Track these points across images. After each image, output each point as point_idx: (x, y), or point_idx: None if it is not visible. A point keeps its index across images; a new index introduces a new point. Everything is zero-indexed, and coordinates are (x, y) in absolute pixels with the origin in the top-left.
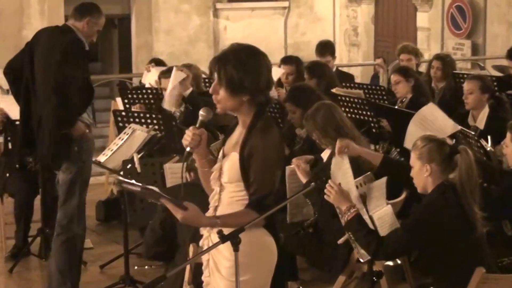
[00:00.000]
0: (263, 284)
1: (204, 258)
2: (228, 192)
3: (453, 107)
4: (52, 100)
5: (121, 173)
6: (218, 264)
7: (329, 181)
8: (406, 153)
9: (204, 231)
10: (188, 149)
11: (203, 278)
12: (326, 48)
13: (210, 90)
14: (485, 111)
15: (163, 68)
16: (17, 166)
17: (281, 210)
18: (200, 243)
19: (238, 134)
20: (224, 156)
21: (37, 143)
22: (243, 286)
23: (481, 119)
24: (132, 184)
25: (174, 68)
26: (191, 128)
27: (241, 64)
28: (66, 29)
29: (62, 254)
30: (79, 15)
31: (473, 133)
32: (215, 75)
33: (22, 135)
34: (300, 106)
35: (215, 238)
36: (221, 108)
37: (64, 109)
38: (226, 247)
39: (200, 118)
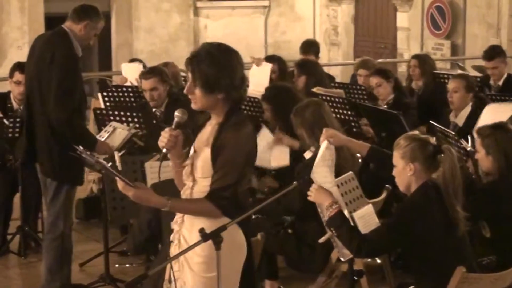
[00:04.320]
0: (231, 281)
1: (172, 251)
2: (200, 187)
3: (432, 105)
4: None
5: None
6: (188, 259)
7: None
8: None
9: (175, 225)
10: (164, 150)
11: (173, 273)
12: (310, 46)
13: (185, 91)
14: (467, 109)
15: (135, 64)
16: None
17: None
18: (171, 237)
19: (210, 130)
20: (195, 151)
21: (39, 155)
22: (211, 282)
23: (461, 116)
24: (90, 155)
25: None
26: (167, 129)
27: (215, 62)
28: (61, 35)
29: (51, 253)
30: (77, 18)
31: (453, 133)
32: (189, 75)
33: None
34: (272, 105)
35: (185, 232)
36: (197, 107)
37: (68, 128)
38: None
39: (175, 119)
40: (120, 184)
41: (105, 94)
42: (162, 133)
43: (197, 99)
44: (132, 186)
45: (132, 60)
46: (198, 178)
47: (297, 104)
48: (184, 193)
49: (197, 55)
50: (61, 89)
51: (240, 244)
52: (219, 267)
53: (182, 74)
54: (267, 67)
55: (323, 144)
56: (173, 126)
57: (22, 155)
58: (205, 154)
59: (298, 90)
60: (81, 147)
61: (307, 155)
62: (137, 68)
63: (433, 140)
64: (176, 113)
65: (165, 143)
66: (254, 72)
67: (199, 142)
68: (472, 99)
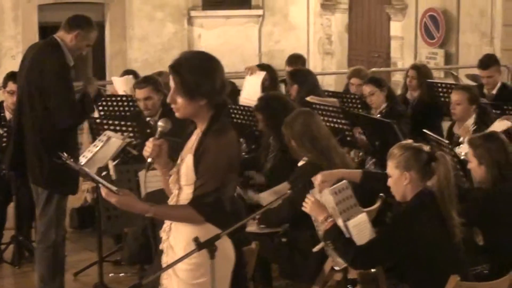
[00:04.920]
0: None
1: (163, 260)
2: (185, 194)
3: (426, 115)
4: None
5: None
6: (175, 267)
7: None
8: (381, 163)
9: (163, 234)
10: (149, 160)
11: (161, 280)
12: (296, 59)
13: (168, 100)
14: (471, 121)
15: (125, 77)
16: None
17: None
18: (160, 246)
19: (194, 138)
20: (181, 159)
21: (28, 164)
22: None
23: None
24: (73, 162)
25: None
26: (151, 139)
27: (195, 69)
28: (52, 45)
29: (44, 262)
30: (69, 28)
31: (447, 141)
32: (171, 84)
33: (13, 153)
34: (264, 114)
35: (172, 241)
36: (181, 115)
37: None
38: (184, 250)
39: (159, 129)
40: (103, 191)
41: (99, 103)
42: (147, 143)
43: (180, 107)
44: (115, 192)
45: (126, 72)
46: (183, 186)
47: (290, 112)
48: (171, 201)
49: (177, 64)
50: (60, 97)
51: (228, 252)
52: (214, 276)
53: None
54: (260, 76)
55: (325, 193)
56: (156, 136)
57: (7, 164)
58: (188, 161)
59: (291, 99)
60: (65, 154)
61: (300, 164)
62: (128, 81)
63: (426, 148)
64: (159, 123)
65: (149, 152)
66: (248, 81)
67: (185, 150)
68: (475, 110)
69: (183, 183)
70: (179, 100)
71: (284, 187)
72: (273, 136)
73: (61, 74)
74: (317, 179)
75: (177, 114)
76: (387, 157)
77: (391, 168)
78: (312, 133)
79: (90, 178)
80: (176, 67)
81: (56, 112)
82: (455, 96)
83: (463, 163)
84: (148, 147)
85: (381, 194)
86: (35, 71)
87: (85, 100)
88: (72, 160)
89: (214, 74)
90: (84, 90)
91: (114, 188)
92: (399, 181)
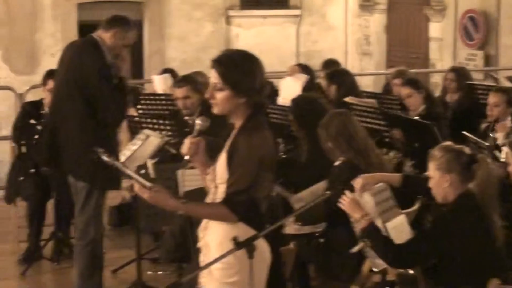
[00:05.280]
0: None
1: (200, 259)
2: (220, 192)
3: (467, 118)
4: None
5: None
6: None
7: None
8: (419, 165)
9: (200, 232)
10: (186, 157)
11: (200, 278)
12: (331, 65)
13: (207, 95)
14: (508, 123)
15: (164, 76)
16: (31, 170)
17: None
18: (198, 244)
19: (232, 136)
20: (218, 158)
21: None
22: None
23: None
24: (108, 157)
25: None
26: (189, 136)
27: (237, 67)
28: (91, 43)
29: (83, 259)
30: (107, 26)
31: (487, 144)
32: (212, 79)
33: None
34: (295, 116)
35: (209, 239)
36: (219, 111)
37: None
38: (217, 249)
39: (197, 127)
40: (136, 186)
41: (137, 102)
42: (185, 140)
43: (219, 103)
44: (148, 188)
45: (164, 71)
46: (219, 184)
47: (321, 113)
48: (209, 199)
49: (220, 58)
50: (104, 94)
51: (262, 252)
52: (253, 276)
53: None
54: (301, 79)
55: (365, 194)
56: (194, 134)
57: (41, 159)
58: (222, 159)
59: (327, 100)
60: (100, 149)
61: (336, 163)
62: (167, 79)
63: (467, 150)
64: (197, 121)
65: (187, 150)
66: (287, 82)
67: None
68: None
69: (218, 181)
70: (218, 95)
71: (320, 187)
72: (303, 138)
73: (102, 73)
74: (358, 182)
75: (215, 110)
76: (428, 159)
77: (432, 170)
78: (349, 133)
79: (125, 174)
80: (220, 61)
81: (104, 110)
82: (493, 98)
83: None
84: (186, 145)
85: (420, 196)
86: (75, 69)
87: (121, 83)
88: (106, 155)
89: (255, 73)
90: (117, 71)
91: (147, 184)
92: (440, 183)
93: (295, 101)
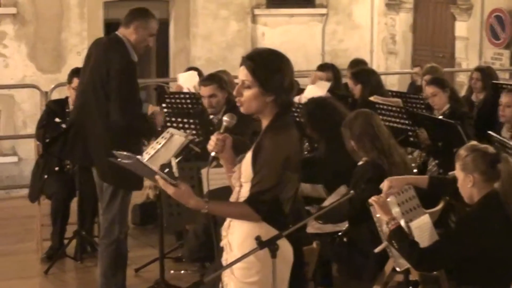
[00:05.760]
0: None
1: (223, 258)
2: (245, 191)
3: (492, 117)
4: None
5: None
6: None
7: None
8: (444, 165)
9: (223, 231)
10: (212, 154)
11: (223, 277)
12: (358, 65)
13: (234, 92)
14: None
15: (190, 73)
16: (56, 168)
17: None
18: (221, 243)
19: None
20: (245, 156)
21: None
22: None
23: None
24: (126, 156)
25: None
26: (215, 133)
27: (266, 65)
28: (116, 41)
29: (106, 258)
30: (126, 23)
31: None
32: (239, 77)
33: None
34: (307, 119)
35: (231, 238)
36: (245, 110)
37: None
38: (239, 248)
39: (224, 123)
40: (160, 181)
41: (162, 100)
42: (211, 137)
43: (246, 100)
44: (173, 184)
45: (189, 69)
46: (243, 183)
47: (332, 114)
48: (233, 198)
49: (249, 58)
50: (120, 96)
51: (285, 252)
52: (275, 276)
53: (236, 81)
54: (325, 87)
55: (391, 200)
56: (221, 130)
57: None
58: (248, 158)
59: (352, 99)
60: (120, 153)
61: (360, 163)
62: (193, 76)
63: (491, 149)
64: (224, 118)
65: (213, 146)
66: (310, 90)
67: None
68: None
69: (243, 180)
70: (246, 93)
71: (343, 189)
72: (317, 140)
73: (126, 72)
74: (385, 185)
75: (241, 109)
76: (454, 158)
77: (458, 170)
78: (372, 133)
79: (149, 173)
80: (250, 58)
81: (111, 112)
82: (505, 99)
83: None
84: (212, 141)
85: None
86: (101, 68)
87: (149, 125)
88: (126, 155)
89: (284, 72)
90: (151, 121)
91: (172, 180)
92: (464, 183)
93: (305, 105)
